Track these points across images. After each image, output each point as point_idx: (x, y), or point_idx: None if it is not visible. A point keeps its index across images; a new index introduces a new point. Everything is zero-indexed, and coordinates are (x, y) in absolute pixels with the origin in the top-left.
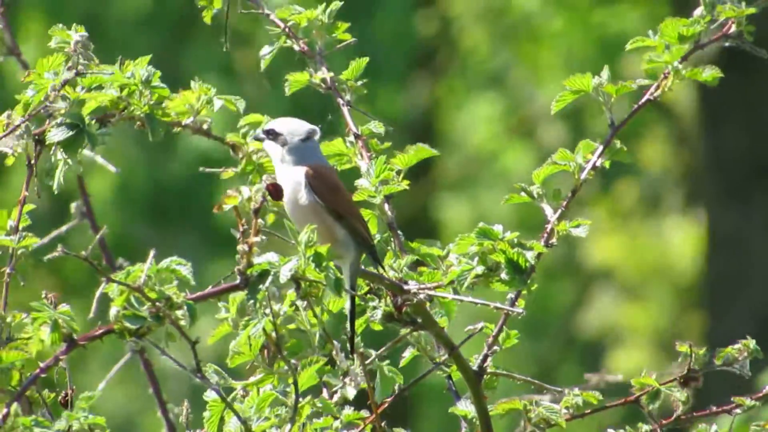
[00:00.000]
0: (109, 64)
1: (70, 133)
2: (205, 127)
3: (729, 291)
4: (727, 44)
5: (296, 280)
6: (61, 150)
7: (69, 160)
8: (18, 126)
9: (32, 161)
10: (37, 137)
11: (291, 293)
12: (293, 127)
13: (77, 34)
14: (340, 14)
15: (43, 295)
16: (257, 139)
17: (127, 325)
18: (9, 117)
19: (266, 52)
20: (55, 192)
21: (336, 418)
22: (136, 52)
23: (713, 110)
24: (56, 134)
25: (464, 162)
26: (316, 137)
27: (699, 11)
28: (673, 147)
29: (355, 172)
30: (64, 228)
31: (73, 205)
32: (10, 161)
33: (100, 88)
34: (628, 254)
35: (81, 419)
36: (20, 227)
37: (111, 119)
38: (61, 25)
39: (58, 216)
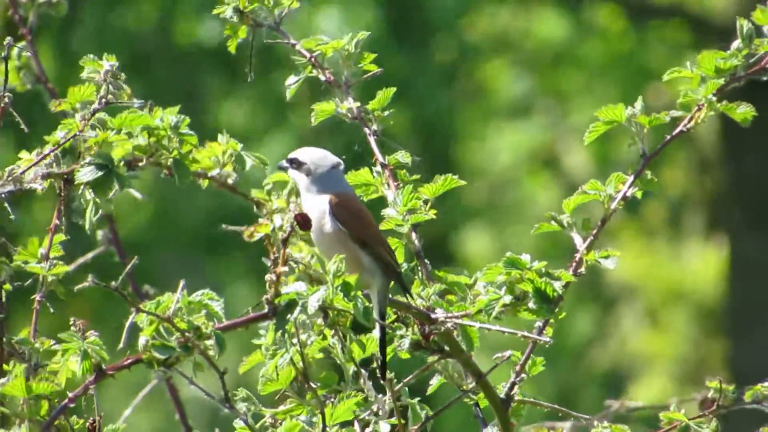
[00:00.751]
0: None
1: (99, 173)
2: (230, 181)
3: (752, 316)
4: (765, 78)
5: (324, 309)
6: (90, 190)
7: (98, 200)
8: (47, 155)
9: (61, 192)
10: (66, 176)
11: (321, 324)
12: (317, 156)
13: (108, 63)
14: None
15: (72, 322)
16: (281, 168)
17: (156, 354)
18: (38, 155)
19: (292, 81)
20: (88, 232)
21: None
22: (170, 93)
23: (736, 136)
24: (85, 174)
25: (485, 191)
26: (341, 168)
27: (736, 44)
28: (695, 171)
29: (381, 202)
30: (90, 255)
31: (99, 233)
32: (40, 192)
33: (128, 132)
34: (650, 279)
35: None
36: (51, 256)
37: (139, 163)
38: (92, 56)
39: (79, 240)
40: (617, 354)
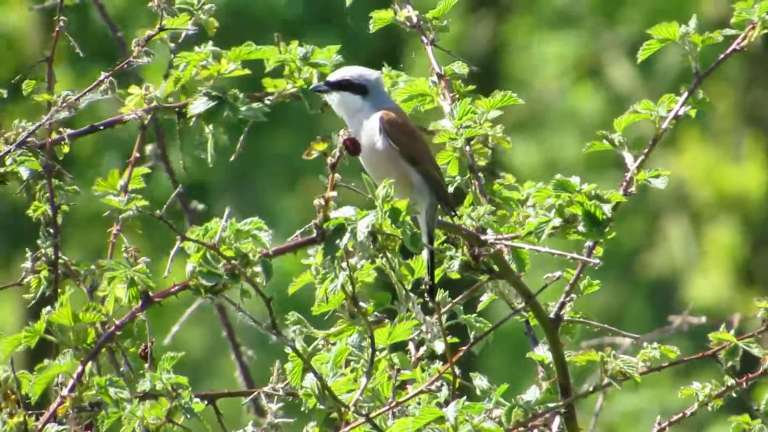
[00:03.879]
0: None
1: (212, 104)
2: None
3: None
4: None
5: (373, 234)
6: (204, 121)
7: (213, 132)
8: (101, 81)
9: (145, 122)
10: (178, 110)
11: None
12: (366, 73)
13: None
14: None
15: (123, 250)
16: (319, 90)
17: (203, 282)
18: (147, 89)
19: None
20: (210, 165)
21: (423, 370)
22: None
23: None
24: (198, 106)
25: (532, 102)
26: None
27: None
28: (745, 83)
29: (434, 113)
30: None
31: (148, 148)
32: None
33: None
34: (703, 180)
35: (164, 379)
36: (130, 188)
37: (269, 97)
38: None
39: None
40: (665, 264)
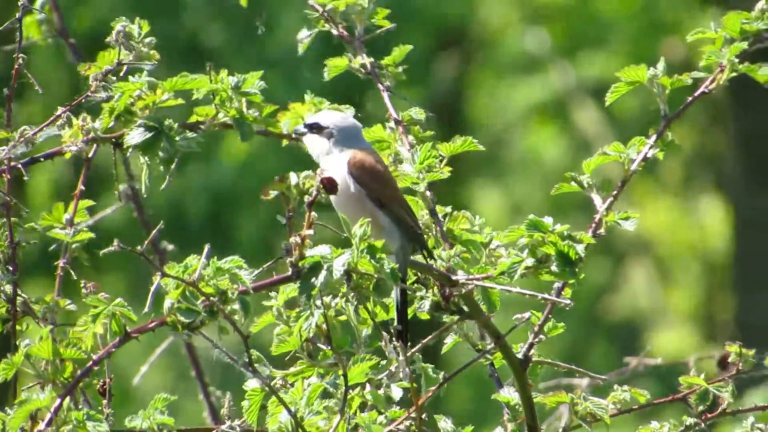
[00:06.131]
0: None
1: (148, 135)
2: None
3: (757, 273)
4: None
5: (348, 272)
6: (140, 152)
7: (148, 162)
8: (59, 116)
9: (89, 155)
10: (115, 141)
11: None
12: (338, 119)
13: (119, 24)
14: None
15: (82, 285)
16: (298, 133)
17: (181, 318)
18: (84, 120)
19: (304, 36)
20: (144, 195)
21: (381, 413)
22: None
23: (742, 92)
24: (134, 137)
25: (493, 145)
26: (360, 128)
27: (761, 5)
28: (704, 128)
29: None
30: (109, 210)
31: (119, 187)
32: (67, 155)
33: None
34: (662, 233)
35: (151, 419)
36: (75, 221)
37: (201, 126)
38: (124, 18)
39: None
40: (628, 308)
